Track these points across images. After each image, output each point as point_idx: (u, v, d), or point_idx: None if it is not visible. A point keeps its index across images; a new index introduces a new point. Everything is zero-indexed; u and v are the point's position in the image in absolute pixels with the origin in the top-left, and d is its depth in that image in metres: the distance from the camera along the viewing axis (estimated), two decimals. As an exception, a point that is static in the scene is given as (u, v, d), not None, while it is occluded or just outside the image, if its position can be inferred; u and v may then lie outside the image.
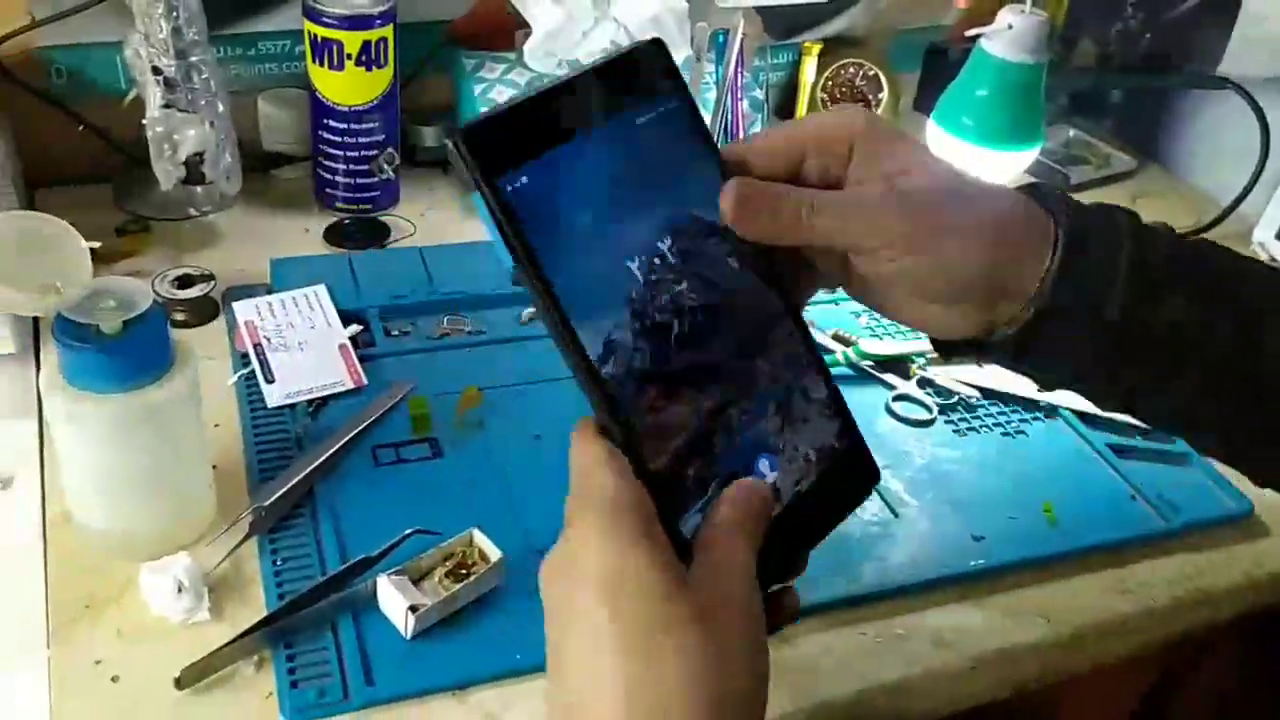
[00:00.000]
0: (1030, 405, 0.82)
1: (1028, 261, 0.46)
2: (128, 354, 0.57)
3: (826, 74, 1.14)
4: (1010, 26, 0.85)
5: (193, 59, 0.83)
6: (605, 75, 0.44)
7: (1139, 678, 0.74)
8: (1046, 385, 0.53)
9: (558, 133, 0.42)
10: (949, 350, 0.52)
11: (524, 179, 0.41)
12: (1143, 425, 0.78)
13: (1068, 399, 0.82)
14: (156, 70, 0.83)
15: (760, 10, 1.12)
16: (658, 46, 0.46)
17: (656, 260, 0.44)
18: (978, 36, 0.88)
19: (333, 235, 0.94)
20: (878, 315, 0.87)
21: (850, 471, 0.49)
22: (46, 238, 0.62)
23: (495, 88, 0.96)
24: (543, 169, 0.41)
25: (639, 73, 0.45)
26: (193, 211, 0.91)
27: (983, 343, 0.49)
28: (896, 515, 0.72)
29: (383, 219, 0.96)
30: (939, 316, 0.49)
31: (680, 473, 0.44)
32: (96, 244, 0.62)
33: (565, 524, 0.43)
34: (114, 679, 0.57)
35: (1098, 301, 0.46)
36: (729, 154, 0.47)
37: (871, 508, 0.72)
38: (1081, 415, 0.81)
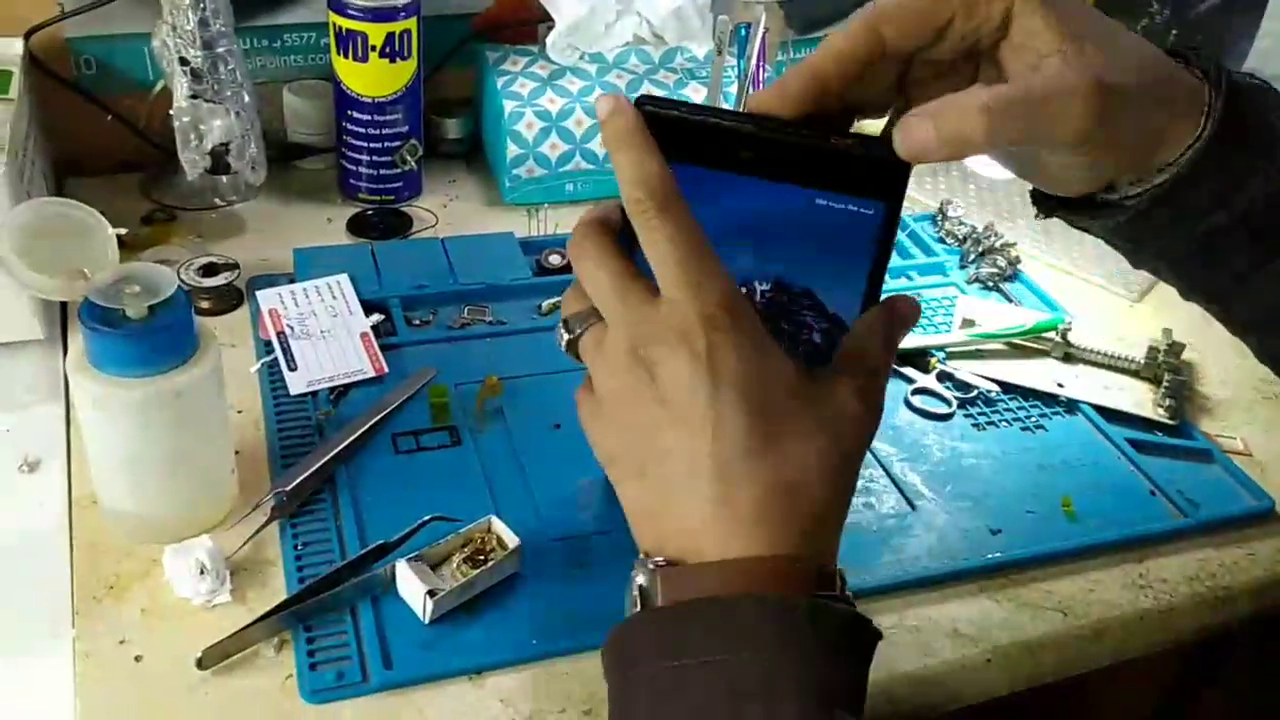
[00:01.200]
0: (1050, 400, 0.82)
1: (1176, 129, 0.45)
2: (153, 339, 0.58)
3: (849, 68, 1.14)
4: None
5: (219, 50, 0.84)
6: (819, 153, 0.43)
7: (1158, 675, 0.74)
8: (1140, 261, 0.52)
9: (737, 163, 0.43)
10: (1051, 208, 0.50)
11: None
12: (1167, 421, 0.79)
13: (1089, 394, 0.82)
14: (184, 61, 0.84)
15: (782, 5, 1.12)
16: (902, 169, 0.43)
17: (742, 287, 0.44)
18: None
19: (355, 226, 0.94)
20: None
21: None
22: (75, 224, 0.63)
23: (518, 80, 0.96)
24: (695, 179, 0.43)
25: (860, 175, 0.44)
26: (218, 201, 0.92)
27: (1099, 204, 0.47)
28: (914, 508, 0.72)
29: (405, 210, 0.97)
30: (1062, 171, 0.47)
31: None
32: (123, 230, 0.63)
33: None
34: (137, 658, 0.58)
35: (1235, 185, 0.45)
36: (862, 23, 0.43)
37: (889, 500, 0.72)
38: (1101, 410, 0.81)
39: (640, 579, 0.43)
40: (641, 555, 0.44)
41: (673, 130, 0.43)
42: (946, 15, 0.44)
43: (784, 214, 0.44)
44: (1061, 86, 0.42)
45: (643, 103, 0.44)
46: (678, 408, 0.42)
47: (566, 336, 0.46)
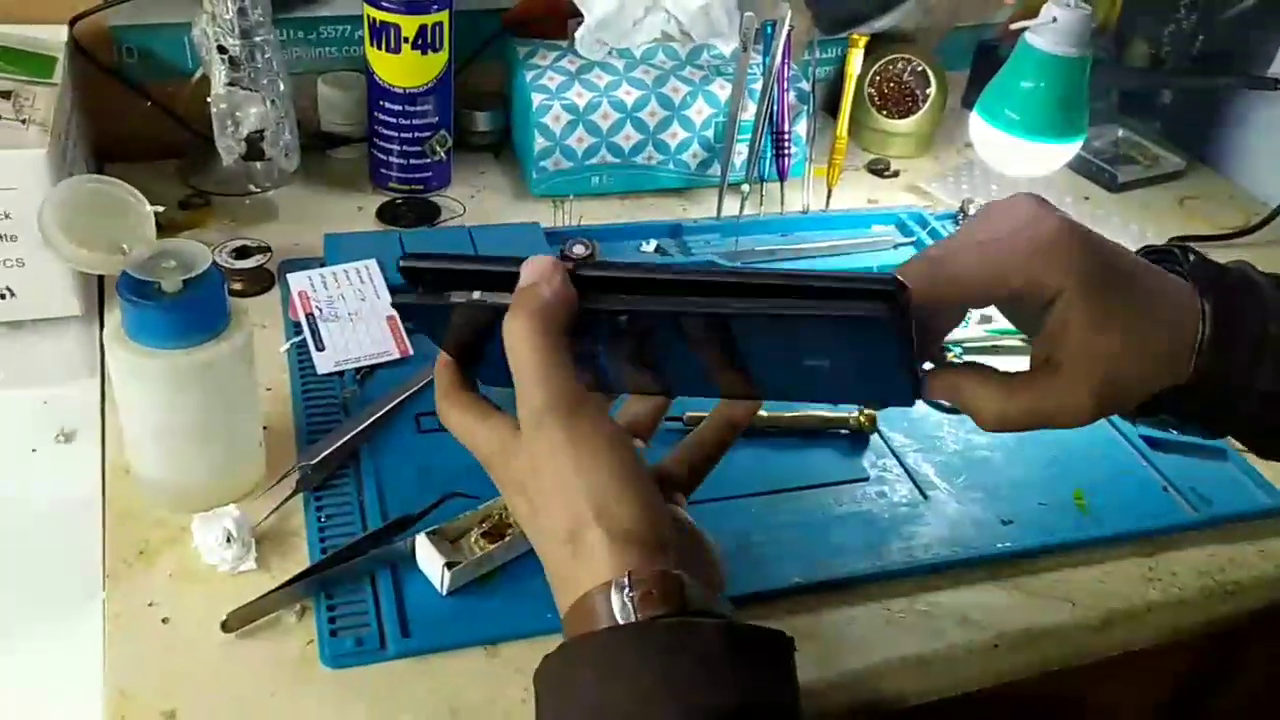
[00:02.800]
0: (1065, 396, 0.82)
1: (1177, 345, 0.49)
2: (186, 312, 0.60)
3: (875, 68, 1.15)
4: (1055, 20, 0.85)
5: (256, 39, 0.86)
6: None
7: (1170, 669, 0.74)
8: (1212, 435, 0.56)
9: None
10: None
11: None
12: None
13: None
14: (222, 49, 0.86)
15: (809, 4, 1.13)
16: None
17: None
18: (1022, 31, 0.89)
19: (385, 214, 0.96)
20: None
21: None
22: (115, 202, 0.65)
23: (546, 74, 0.98)
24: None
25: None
26: (252, 187, 0.94)
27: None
28: (926, 497, 0.73)
29: (434, 199, 0.99)
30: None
31: None
32: (160, 208, 0.65)
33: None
34: (164, 620, 0.60)
35: (1247, 377, 0.49)
36: (921, 278, 0.46)
37: (902, 490, 0.73)
38: (1117, 407, 0.81)
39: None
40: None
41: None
42: (1000, 279, 0.48)
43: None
44: (1067, 404, 0.49)
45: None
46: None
47: None
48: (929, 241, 0.99)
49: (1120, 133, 1.22)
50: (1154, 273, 0.50)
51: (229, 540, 0.62)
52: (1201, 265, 0.51)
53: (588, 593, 0.44)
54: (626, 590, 0.43)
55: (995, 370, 0.51)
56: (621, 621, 0.43)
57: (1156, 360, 0.49)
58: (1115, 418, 0.80)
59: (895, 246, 0.99)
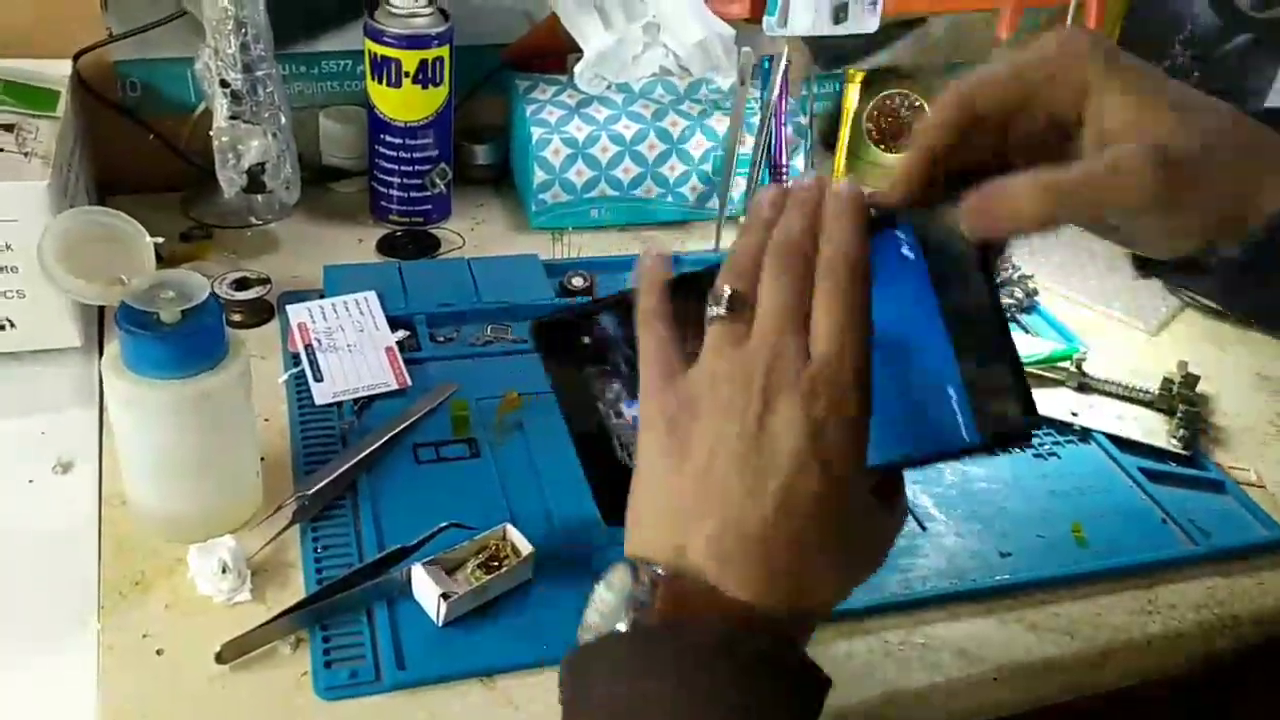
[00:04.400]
0: (1064, 428, 0.83)
1: (1267, 186, 0.45)
2: (184, 342, 0.60)
3: (872, 103, 1.16)
4: (1050, 54, 0.86)
5: (258, 73, 0.87)
6: None
7: (1166, 703, 0.74)
8: (1252, 318, 0.53)
9: None
10: (1149, 271, 0.51)
11: None
12: (1180, 451, 0.80)
13: (1103, 423, 0.82)
14: (224, 83, 0.87)
15: (807, 40, 1.14)
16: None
17: None
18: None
19: (385, 246, 0.97)
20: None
21: None
22: (114, 233, 0.66)
23: (546, 108, 0.99)
24: None
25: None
26: (253, 220, 0.95)
27: (1198, 263, 0.48)
28: (924, 529, 0.72)
29: (433, 231, 1.00)
30: (1151, 237, 0.48)
31: None
32: (160, 239, 0.66)
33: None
34: (159, 651, 0.59)
35: None
36: (952, 94, 0.46)
37: (899, 521, 0.73)
38: (1115, 439, 0.82)
39: (640, 584, 0.45)
40: (641, 551, 0.46)
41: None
42: (1030, 85, 0.45)
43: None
44: (1123, 164, 0.43)
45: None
46: (766, 448, 0.44)
47: (720, 311, 0.47)
48: (926, 274, 0.99)
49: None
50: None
51: (224, 571, 0.62)
52: None
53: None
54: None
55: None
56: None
57: (1224, 150, 0.44)
58: (1114, 450, 0.80)
59: (893, 279, 0.99)
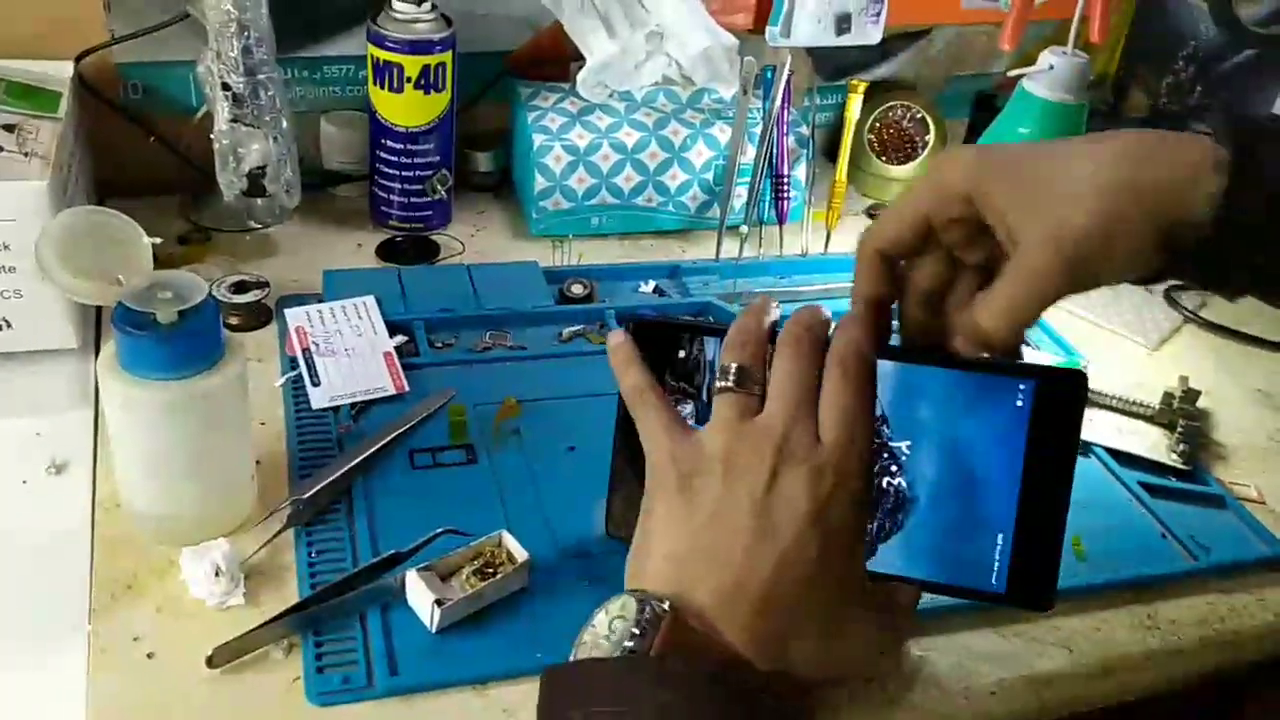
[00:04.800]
0: (1063, 441, 0.82)
1: (1191, 197, 0.48)
2: (181, 343, 0.60)
3: (874, 115, 1.16)
4: (1051, 67, 0.86)
5: (260, 77, 0.87)
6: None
7: (1166, 719, 0.73)
8: (1230, 295, 0.55)
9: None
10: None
11: None
12: (1180, 466, 0.79)
13: (1103, 437, 0.82)
14: (226, 86, 0.87)
15: (811, 51, 1.14)
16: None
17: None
18: (1020, 78, 0.89)
19: (385, 251, 0.97)
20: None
21: None
22: (112, 233, 0.65)
23: (548, 115, 0.99)
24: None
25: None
26: (252, 224, 0.95)
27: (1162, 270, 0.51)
28: (922, 541, 0.72)
29: (434, 238, 0.99)
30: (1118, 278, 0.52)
31: None
32: (157, 239, 0.65)
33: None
34: (149, 655, 0.59)
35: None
36: (869, 255, 0.54)
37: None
38: (1114, 453, 0.81)
39: (644, 614, 0.47)
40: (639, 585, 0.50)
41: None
42: (933, 215, 0.52)
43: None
44: (1028, 265, 0.49)
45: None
46: (775, 518, 0.49)
47: (729, 384, 0.52)
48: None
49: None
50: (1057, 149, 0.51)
51: (217, 574, 0.62)
52: (1223, 116, 0.51)
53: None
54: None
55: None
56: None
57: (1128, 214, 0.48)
58: (1114, 464, 0.80)
59: (893, 290, 0.99)
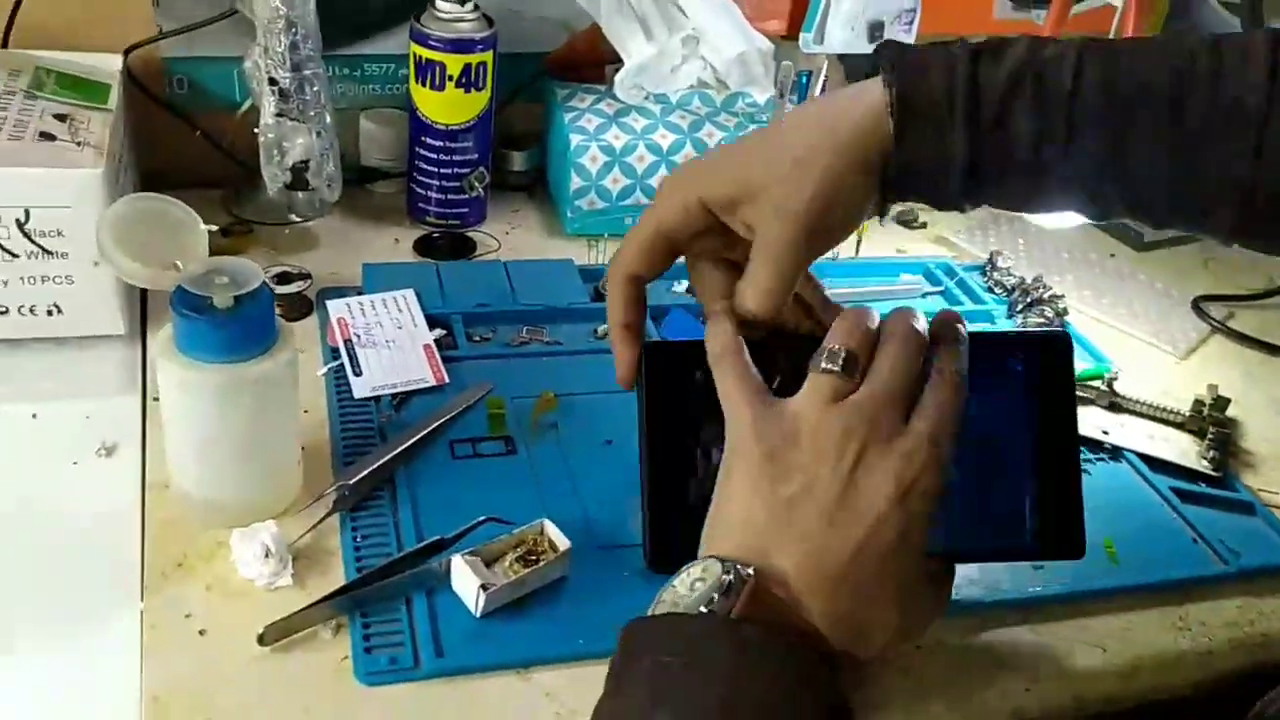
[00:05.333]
0: (1095, 445, 0.83)
1: (882, 131, 0.53)
2: (237, 327, 0.61)
3: (904, 123, 1.17)
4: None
5: (306, 72, 0.89)
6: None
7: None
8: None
9: None
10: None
11: None
12: (1211, 472, 0.80)
13: (1134, 442, 0.83)
14: (272, 81, 0.88)
15: (843, 58, 1.15)
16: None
17: None
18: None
19: (422, 246, 0.98)
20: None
21: None
22: (170, 220, 0.67)
23: (585, 115, 1.00)
24: None
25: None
26: (294, 217, 0.96)
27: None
28: (956, 539, 0.73)
29: (470, 234, 1.01)
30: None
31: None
32: (214, 226, 0.67)
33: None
34: (201, 632, 0.60)
35: (943, 157, 0.53)
36: (619, 280, 0.61)
37: (931, 531, 0.73)
38: (1146, 459, 0.82)
39: (727, 577, 0.48)
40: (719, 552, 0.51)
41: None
42: (666, 227, 0.58)
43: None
44: (772, 248, 0.54)
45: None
46: (856, 498, 0.50)
47: (835, 367, 0.53)
48: (957, 291, 1.00)
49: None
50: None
51: (267, 556, 0.63)
52: (886, 50, 0.55)
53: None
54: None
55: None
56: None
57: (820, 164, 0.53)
58: (1145, 469, 0.80)
59: (924, 295, 1.00)
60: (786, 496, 0.50)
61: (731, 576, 0.47)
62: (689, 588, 0.48)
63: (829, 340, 0.54)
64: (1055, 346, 0.60)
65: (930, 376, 0.54)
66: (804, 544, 0.50)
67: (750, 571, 0.48)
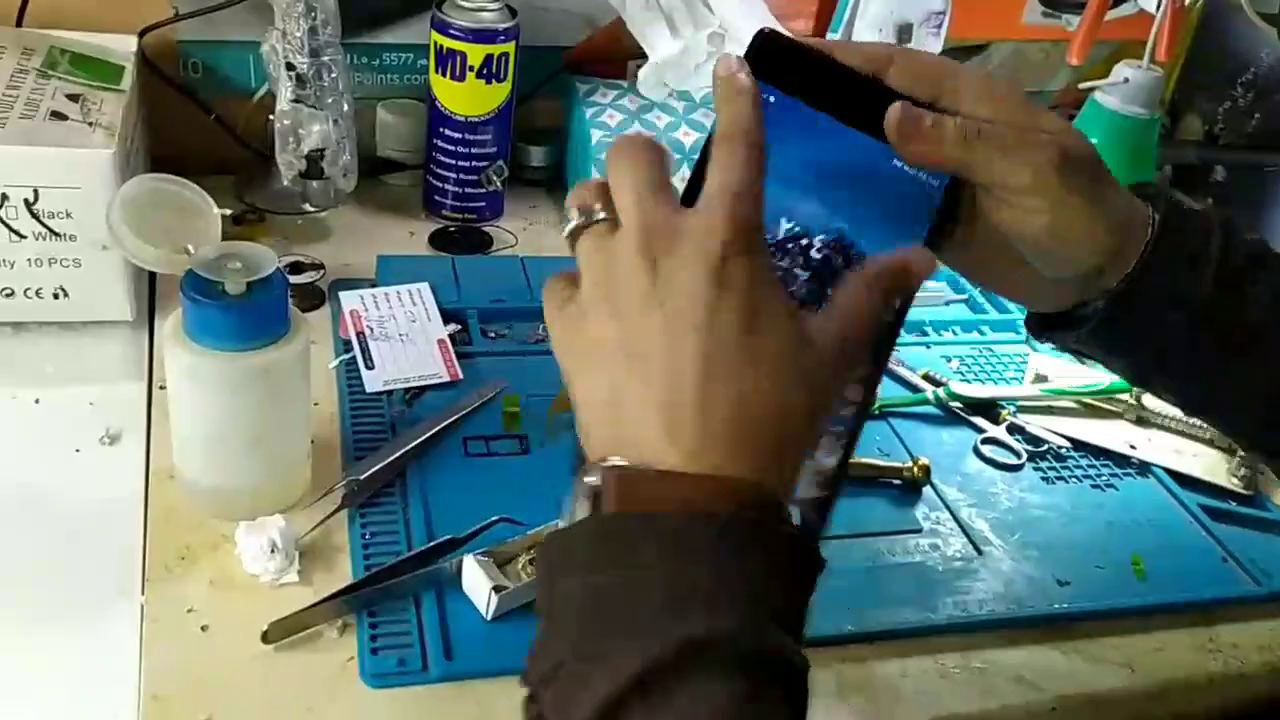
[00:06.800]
0: (1122, 460, 0.81)
1: (1129, 245, 0.50)
2: (248, 314, 0.60)
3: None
4: (1126, 80, 0.85)
5: (324, 58, 0.87)
6: None
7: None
8: (1129, 371, 0.56)
9: (836, 104, 0.47)
10: (1040, 331, 0.56)
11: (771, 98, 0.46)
12: (1241, 490, 0.78)
13: (1162, 458, 0.81)
14: (290, 66, 0.87)
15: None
16: None
17: (803, 240, 0.47)
18: (1091, 91, 0.89)
19: (437, 240, 0.96)
20: (967, 356, 0.87)
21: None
22: (183, 203, 0.65)
23: (606, 111, 0.99)
24: (792, 108, 0.46)
25: None
26: (307, 207, 0.94)
27: (1072, 318, 0.52)
28: (980, 553, 0.71)
29: (486, 229, 0.99)
30: (1035, 286, 0.52)
31: None
32: (227, 210, 0.65)
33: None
34: (203, 627, 0.58)
35: (1187, 282, 0.50)
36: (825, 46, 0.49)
37: (956, 544, 0.71)
38: (1174, 475, 0.80)
39: (592, 479, 0.41)
40: (592, 460, 0.42)
41: (787, 58, 0.46)
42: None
43: (863, 168, 0.47)
44: (1033, 139, 0.47)
45: (764, 33, 0.47)
46: (674, 306, 0.41)
47: (573, 224, 0.45)
48: (981, 299, 0.98)
49: (1172, 205, 1.21)
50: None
51: (273, 550, 0.61)
52: (1159, 190, 0.53)
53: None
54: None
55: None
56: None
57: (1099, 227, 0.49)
58: (1174, 485, 0.78)
59: (946, 303, 0.98)
60: (609, 360, 0.42)
61: (597, 478, 0.40)
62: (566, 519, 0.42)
63: (566, 201, 0.46)
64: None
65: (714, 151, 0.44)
66: (646, 389, 0.41)
67: (607, 464, 0.41)
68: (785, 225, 0.47)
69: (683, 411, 0.41)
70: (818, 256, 0.47)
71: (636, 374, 0.42)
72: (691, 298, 0.41)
